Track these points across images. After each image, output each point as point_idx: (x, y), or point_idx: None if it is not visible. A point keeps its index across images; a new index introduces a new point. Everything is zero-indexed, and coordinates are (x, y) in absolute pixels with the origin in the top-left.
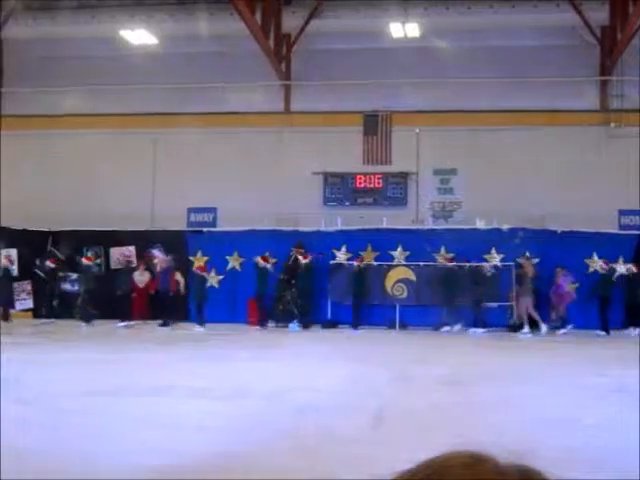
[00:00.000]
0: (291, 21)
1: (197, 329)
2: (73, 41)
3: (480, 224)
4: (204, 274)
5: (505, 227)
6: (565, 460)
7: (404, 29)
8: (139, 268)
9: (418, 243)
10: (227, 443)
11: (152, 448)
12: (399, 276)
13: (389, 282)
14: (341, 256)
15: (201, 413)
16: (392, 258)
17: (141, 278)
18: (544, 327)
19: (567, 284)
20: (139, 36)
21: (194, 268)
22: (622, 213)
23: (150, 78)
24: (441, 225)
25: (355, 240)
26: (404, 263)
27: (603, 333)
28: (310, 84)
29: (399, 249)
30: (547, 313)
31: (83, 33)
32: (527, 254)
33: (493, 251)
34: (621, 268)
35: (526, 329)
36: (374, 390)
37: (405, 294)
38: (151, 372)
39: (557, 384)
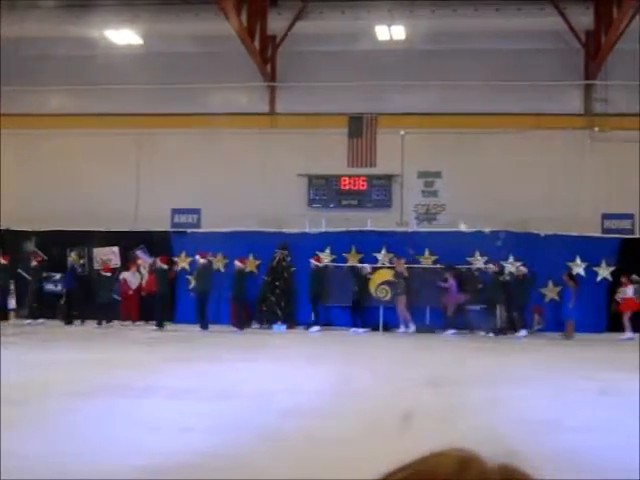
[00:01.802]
0: (277, 22)
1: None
2: (58, 41)
3: (463, 227)
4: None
5: (488, 230)
6: (550, 462)
7: (390, 31)
8: (131, 269)
9: (402, 245)
10: (211, 444)
11: (136, 449)
12: (383, 278)
13: (373, 284)
14: (325, 258)
15: (185, 414)
16: (376, 260)
17: (133, 280)
18: (411, 327)
19: (455, 286)
20: (124, 36)
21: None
22: (605, 217)
23: (135, 78)
24: (425, 228)
25: (339, 242)
26: (388, 265)
27: (492, 334)
28: (295, 86)
29: (383, 251)
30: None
31: (68, 33)
32: (397, 255)
33: (477, 254)
34: (510, 267)
35: (402, 328)
36: (359, 392)
37: (389, 296)
38: (135, 373)
39: (543, 386)
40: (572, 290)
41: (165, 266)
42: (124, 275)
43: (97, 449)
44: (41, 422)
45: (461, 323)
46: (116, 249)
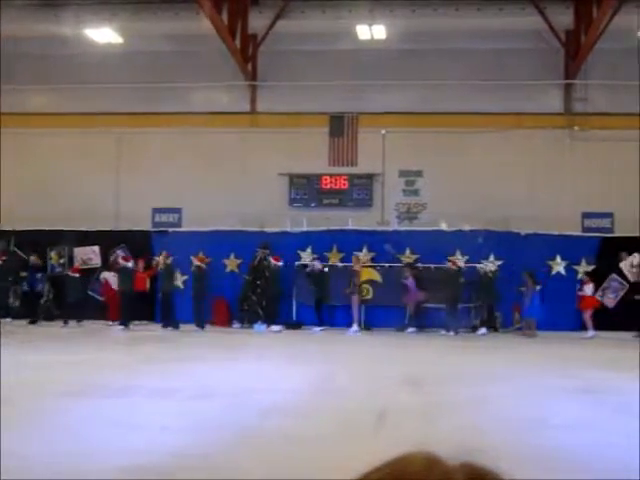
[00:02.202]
0: (258, 21)
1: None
2: (37, 39)
3: (444, 226)
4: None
5: (469, 229)
6: (530, 460)
7: (370, 31)
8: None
9: (383, 244)
10: (191, 444)
11: (117, 448)
12: (364, 277)
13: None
14: (306, 257)
15: (165, 414)
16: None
17: (114, 279)
18: (354, 326)
19: (413, 282)
20: (104, 35)
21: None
22: (585, 216)
23: (115, 77)
24: (406, 227)
25: (320, 241)
26: (369, 264)
27: (452, 333)
28: (276, 85)
29: (364, 250)
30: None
31: (47, 31)
32: (359, 254)
33: (458, 253)
34: (488, 265)
35: (355, 327)
36: (339, 391)
37: (370, 295)
38: (116, 373)
39: (523, 384)
40: (531, 289)
41: (129, 264)
42: (104, 275)
43: (78, 449)
44: (22, 423)
45: (423, 322)
46: (97, 248)
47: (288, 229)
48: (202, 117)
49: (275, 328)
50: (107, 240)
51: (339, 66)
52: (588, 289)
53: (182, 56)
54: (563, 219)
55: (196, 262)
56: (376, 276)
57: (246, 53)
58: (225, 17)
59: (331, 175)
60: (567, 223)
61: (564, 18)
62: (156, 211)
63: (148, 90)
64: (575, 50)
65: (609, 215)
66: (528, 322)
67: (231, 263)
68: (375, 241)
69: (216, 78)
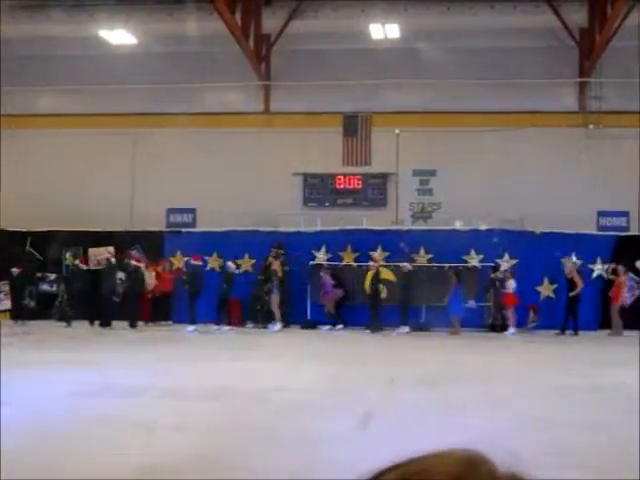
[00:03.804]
0: (271, 22)
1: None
2: (52, 40)
3: (459, 225)
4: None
5: (484, 228)
6: (542, 458)
7: (384, 30)
8: (148, 269)
9: (398, 244)
10: (206, 443)
11: (131, 448)
12: (379, 277)
13: (367, 282)
14: (321, 257)
15: (180, 413)
16: (372, 259)
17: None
18: (277, 325)
19: (330, 281)
20: (118, 36)
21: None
22: (601, 214)
23: (129, 78)
24: (420, 226)
25: (335, 241)
26: (384, 264)
27: (368, 331)
28: (290, 85)
29: (379, 250)
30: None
31: (61, 33)
32: (276, 251)
33: (472, 252)
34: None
35: (277, 326)
36: (354, 391)
37: (385, 294)
38: (130, 372)
39: (535, 384)
40: (454, 287)
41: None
42: (120, 275)
43: (93, 448)
44: (38, 423)
45: (342, 319)
46: (111, 249)
47: (302, 229)
48: (216, 117)
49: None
50: (121, 240)
51: (352, 66)
52: (510, 286)
53: (196, 57)
54: (578, 218)
55: (192, 262)
56: (390, 275)
57: (260, 53)
58: (239, 18)
59: (345, 175)
60: (582, 222)
61: (578, 16)
62: (170, 211)
63: (162, 91)
64: (589, 48)
65: (625, 214)
66: (454, 320)
67: (245, 263)
68: (389, 240)
69: (230, 78)
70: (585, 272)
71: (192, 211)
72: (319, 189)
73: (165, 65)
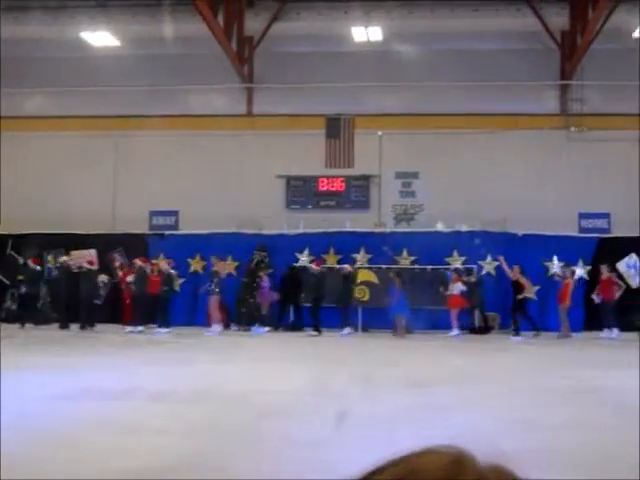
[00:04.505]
0: (254, 24)
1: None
2: (34, 43)
3: (440, 227)
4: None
5: (466, 230)
6: (527, 460)
7: (367, 33)
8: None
9: (380, 246)
10: (189, 446)
11: (115, 451)
12: (361, 279)
13: (400, 285)
14: (304, 259)
15: (163, 416)
16: (354, 261)
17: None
18: (219, 327)
19: (268, 284)
20: (101, 38)
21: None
22: (582, 216)
23: (112, 80)
24: (403, 228)
25: (318, 243)
26: (367, 266)
27: (315, 333)
28: (272, 87)
29: (362, 252)
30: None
31: (44, 35)
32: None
33: (455, 254)
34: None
35: (216, 328)
36: (338, 393)
37: (367, 297)
38: (114, 375)
39: (520, 385)
40: (398, 288)
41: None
42: (102, 278)
43: (75, 452)
44: (21, 425)
45: (277, 322)
46: (94, 252)
47: (285, 231)
48: (199, 119)
49: (346, 331)
50: (104, 243)
51: (335, 68)
52: (456, 288)
53: (179, 59)
54: (560, 220)
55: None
56: (373, 278)
57: (242, 55)
58: (221, 20)
59: (328, 177)
60: (564, 224)
61: (560, 19)
62: (153, 214)
63: (145, 93)
64: (571, 51)
65: (606, 215)
66: (398, 320)
67: (228, 265)
68: (372, 243)
69: (213, 80)
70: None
71: (175, 213)
72: (302, 191)
73: (148, 67)
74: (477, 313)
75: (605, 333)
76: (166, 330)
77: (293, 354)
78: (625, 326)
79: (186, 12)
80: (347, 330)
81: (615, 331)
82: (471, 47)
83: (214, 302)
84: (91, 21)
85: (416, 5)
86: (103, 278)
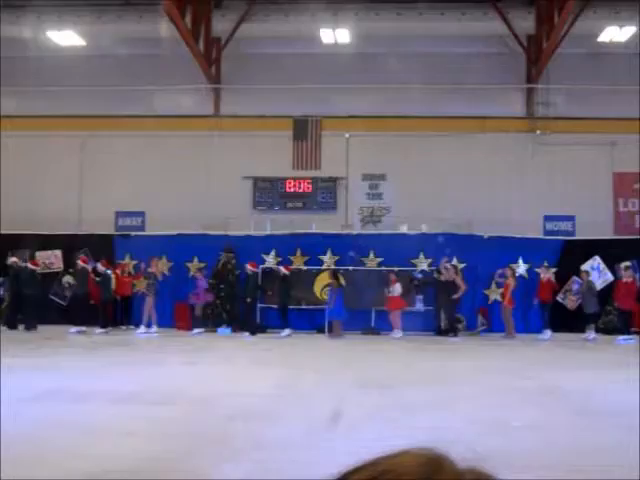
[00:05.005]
0: (221, 24)
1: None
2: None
3: (403, 229)
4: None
5: (432, 232)
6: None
7: (334, 35)
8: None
9: (347, 248)
10: (157, 448)
11: (81, 453)
12: (328, 280)
13: (318, 286)
14: (270, 260)
15: (130, 418)
16: (321, 262)
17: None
18: (154, 327)
19: (204, 284)
20: (67, 37)
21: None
22: (547, 219)
23: (78, 80)
24: (370, 230)
25: (284, 244)
26: (333, 267)
27: (247, 334)
28: (240, 88)
29: (329, 254)
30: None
31: (9, 33)
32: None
33: (421, 256)
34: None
35: (150, 328)
36: (304, 395)
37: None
38: (79, 377)
39: (486, 386)
40: (334, 290)
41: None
42: (67, 279)
43: (42, 453)
44: None
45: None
46: (59, 252)
47: (252, 232)
48: (166, 120)
49: (286, 332)
50: (69, 244)
51: (303, 70)
52: (395, 289)
53: (146, 59)
54: (525, 222)
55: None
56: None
57: (210, 56)
58: (189, 20)
59: (295, 178)
60: (529, 226)
61: (526, 23)
62: (120, 214)
63: (111, 93)
64: (537, 54)
65: (570, 218)
66: (335, 323)
67: (194, 267)
68: (339, 244)
69: (180, 81)
70: (531, 275)
71: (141, 214)
72: (269, 193)
73: (115, 67)
74: (442, 314)
75: (543, 334)
76: (101, 330)
77: (258, 356)
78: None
79: (153, 12)
80: (287, 332)
81: (548, 332)
82: (438, 50)
83: (150, 302)
84: (58, 20)
85: (383, 8)
86: (68, 279)
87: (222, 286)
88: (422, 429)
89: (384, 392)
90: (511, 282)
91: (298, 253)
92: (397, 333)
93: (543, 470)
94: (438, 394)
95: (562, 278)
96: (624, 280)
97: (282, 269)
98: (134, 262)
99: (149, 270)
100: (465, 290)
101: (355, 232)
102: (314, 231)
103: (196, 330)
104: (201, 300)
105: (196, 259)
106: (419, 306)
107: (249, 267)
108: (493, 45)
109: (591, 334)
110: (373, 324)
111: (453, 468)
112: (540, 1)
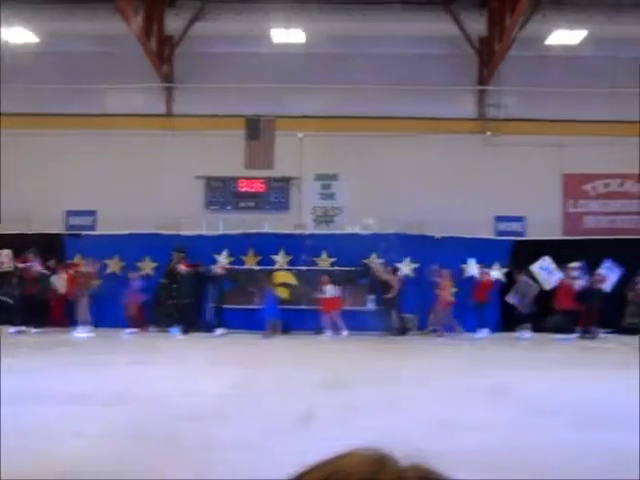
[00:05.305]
0: (174, 23)
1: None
2: None
3: (359, 229)
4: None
5: (384, 232)
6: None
7: (287, 34)
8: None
9: (300, 248)
10: (106, 449)
11: (29, 454)
12: (280, 280)
13: (271, 286)
14: (223, 260)
15: (79, 419)
16: (274, 262)
17: (62, 283)
18: (85, 328)
19: (138, 284)
20: (18, 34)
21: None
22: (498, 219)
23: (29, 77)
24: (323, 230)
25: (237, 244)
26: (286, 267)
27: (178, 333)
28: (192, 87)
29: (281, 253)
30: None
31: None
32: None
33: (373, 256)
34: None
35: (85, 328)
36: (255, 395)
37: (288, 296)
38: (29, 378)
39: (439, 386)
40: (269, 290)
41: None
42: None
43: None
44: None
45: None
46: (9, 252)
47: (204, 232)
48: (118, 119)
49: (219, 331)
50: (18, 243)
51: (256, 69)
52: (328, 290)
53: (98, 57)
54: (477, 223)
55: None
56: (292, 279)
57: (162, 55)
58: (141, 18)
59: (248, 178)
60: (481, 227)
61: (478, 25)
62: (70, 214)
63: (64, 91)
64: (489, 56)
65: (521, 219)
66: (273, 323)
67: (146, 267)
68: (292, 244)
69: (132, 80)
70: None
71: (92, 214)
72: (221, 192)
73: (66, 65)
74: (395, 314)
75: (480, 333)
76: (35, 330)
77: (209, 355)
78: (537, 327)
79: (106, 9)
80: (220, 331)
81: (484, 331)
82: (391, 51)
83: (83, 303)
84: (9, 17)
85: (337, 8)
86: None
87: (174, 286)
88: (372, 429)
89: (335, 392)
90: (446, 283)
91: (250, 253)
92: (327, 333)
93: (491, 468)
94: (388, 394)
95: (513, 279)
96: (565, 281)
97: (215, 268)
98: (85, 262)
99: (82, 270)
100: (398, 290)
101: (308, 232)
102: (267, 231)
103: (128, 330)
104: (135, 300)
105: (148, 259)
106: (370, 306)
107: (182, 267)
108: (446, 47)
109: (526, 333)
110: (322, 324)
111: (396, 467)
112: (492, 3)
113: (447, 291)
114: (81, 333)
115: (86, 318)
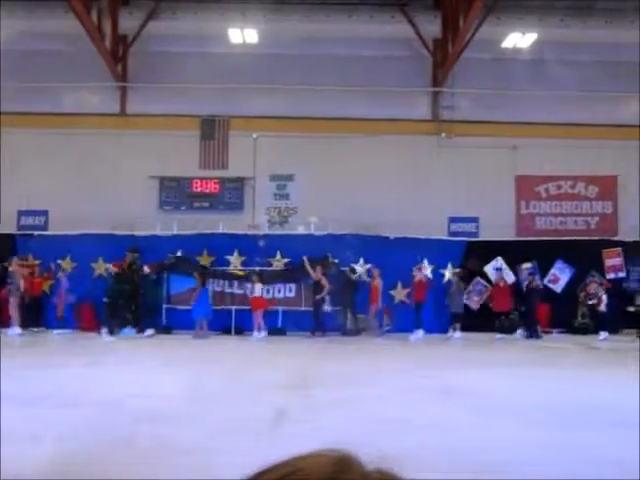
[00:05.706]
0: (128, 22)
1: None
2: None
3: (313, 230)
4: None
5: (339, 233)
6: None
7: (243, 35)
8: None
9: (254, 248)
10: (62, 452)
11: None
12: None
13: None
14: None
15: (34, 422)
16: (228, 263)
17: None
18: (16, 329)
19: (66, 284)
20: None
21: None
22: (452, 220)
23: None
24: (277, 231)
25: (191, 245)
26: (240, 268)
27: (150, 332)
28: (147, 86)
29: (235, 254)
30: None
31: None
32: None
33: (329, 256)
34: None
35: (16, 329)
36: (211, 397)
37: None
38: None
39: (389, 386)
40: (199, 290)
41: None
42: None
43: None
44: None
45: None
46: None
47: (158, 232)
48: (71, 118)
49: (148, 332)
50: None
51: (211, 69)
52: (257, 290)
53: (53, 55)
54: (431, 224)
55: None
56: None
57: (116, 54)
58: (95, 17)
59: (202, 178)
60: (435, 227)
61: (432, 27)
62: (22, 213)
63: (17, 89)
64: (443, 58)
65: (474, 220)
66: (203, 323)
67: (99, 267)
68: (246, 245)
69: (86, 79)
70: (436, 276)
71: (44, 213)
72: (176, 192)
73: (21, 63)
74: (349, 315)
75: (415, 334)
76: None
77: (164, 357)
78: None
79: (60, 7)
80: (149, 332)
81: (420, 332)
82: (346, 52)
83: (13, 302)
84: None
85: (292, 9)
86: None
87: (127, 286)
88: (328, 429)
89: (289, 393)
90: (377, 284)
91: (205, 253)
92: (261, 333)
93: (447, 469)
94: (342, 394)
95: (466, 279)
96: (500, 283)
97: (145, 268)
98: (37, 262)
99: (10, 269)
100: (330, 290)
101: (262, 232)
102: (221, 231)
103: (57, 331)
104: (62, 301)
105: (101, 259)
106: (326, 307)
107: (146, 269)
108: (401, 48)
109: (456, 332)
110: (280, 324)
111: (360, 469)
112: (446, 6)
113: (377, 291)
114: (12, 332)
115: (15, 317)
